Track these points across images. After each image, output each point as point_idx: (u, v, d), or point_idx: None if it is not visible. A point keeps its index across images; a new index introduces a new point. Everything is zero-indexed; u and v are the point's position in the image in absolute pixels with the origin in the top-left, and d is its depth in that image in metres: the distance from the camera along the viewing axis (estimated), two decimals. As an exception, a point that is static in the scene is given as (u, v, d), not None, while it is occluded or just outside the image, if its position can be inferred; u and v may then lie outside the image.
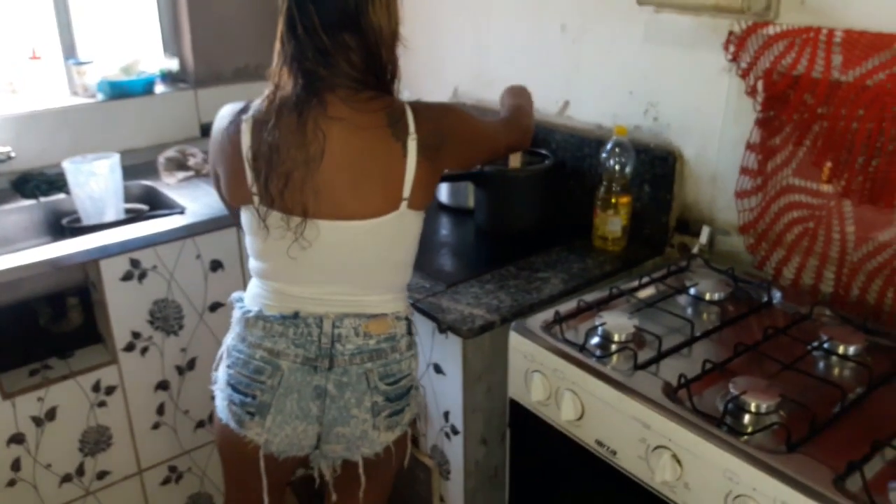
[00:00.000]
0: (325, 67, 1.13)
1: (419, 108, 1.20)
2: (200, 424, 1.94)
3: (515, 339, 1.28)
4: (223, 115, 1.23)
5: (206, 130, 2.33)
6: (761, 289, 1.40)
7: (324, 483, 1.36)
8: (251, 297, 1.27)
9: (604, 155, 1.59)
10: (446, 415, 1.56)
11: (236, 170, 1.18)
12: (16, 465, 1.65)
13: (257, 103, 1.18)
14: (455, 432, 1.54)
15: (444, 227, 1.89)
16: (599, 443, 1.15)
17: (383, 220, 1.18)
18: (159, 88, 2.30)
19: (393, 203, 1.17)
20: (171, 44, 2.36)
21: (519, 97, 1.56)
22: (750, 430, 1.00)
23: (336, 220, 1.16)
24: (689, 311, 1.36)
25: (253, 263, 1.27)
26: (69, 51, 2.19)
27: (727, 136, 1.50)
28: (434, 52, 2.19)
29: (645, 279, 1.43)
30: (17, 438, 1.64)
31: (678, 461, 1.02)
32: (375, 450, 1.27)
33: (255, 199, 1.18)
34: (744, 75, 1.41)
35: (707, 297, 1.36)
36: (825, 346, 1.19)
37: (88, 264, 1.68)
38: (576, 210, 1.78)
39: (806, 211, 1.38)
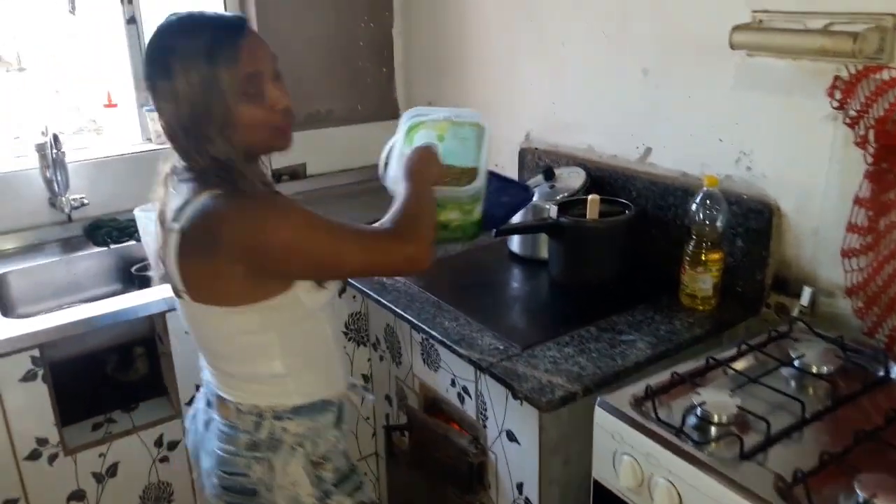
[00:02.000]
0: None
1: (207, 202, 1.06)
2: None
3: (602, 417, 1.17)
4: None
5: (277, 175, 2.32)
6: (876, 360, 1.25)
7: None
8: None
9: (693, 207, 1.47)
10: (520, 486, 1.45)
11: None
12: (77, 522, 1.62)
13: None
14: (529, 506, 1.44)
15: (516, 280, 1.80)
16: (700, 539, 1.03)
17: (183, 303, 1.17)
18: (229, 134, 2.30)
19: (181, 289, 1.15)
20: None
21: (419, 187, 1.22)
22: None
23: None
24: (795, 385, 1.22)
25: None
26: (144, 98, 2.22)
27: (832, 188, 1.37)
28: (509, 95, 2.12)
29: (744, 347, 1.30)
30: (77, 495, 1.61)
31: (796, 572, 0.90)
32: None
33: None
34: (852, 124, 1.28)
35: (815, 369, 1.23)
36: (962, 436, 1.04)
37: (154, 316, 1.66)
38: (660, 263, 1.66)
39: (927, 274, 1.24)
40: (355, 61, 2.44)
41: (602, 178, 1.80)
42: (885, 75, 1.22)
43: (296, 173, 2.39)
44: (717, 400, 1.11)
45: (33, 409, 1.54)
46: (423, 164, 1.26)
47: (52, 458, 1.58)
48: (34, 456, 1.56)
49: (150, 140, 2.21)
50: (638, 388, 1.19)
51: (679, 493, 1.04)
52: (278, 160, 2.35)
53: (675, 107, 1.64)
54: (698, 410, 1.10)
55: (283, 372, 1.19)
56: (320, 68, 2.38)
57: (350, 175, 2.49)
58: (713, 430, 1.08)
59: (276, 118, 1.10)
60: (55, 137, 1.88)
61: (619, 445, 1.14)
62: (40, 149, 1.91)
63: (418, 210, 1.19)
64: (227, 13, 1.19)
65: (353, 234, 1.14)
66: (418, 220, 1.17)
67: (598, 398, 1.19)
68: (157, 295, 1.63)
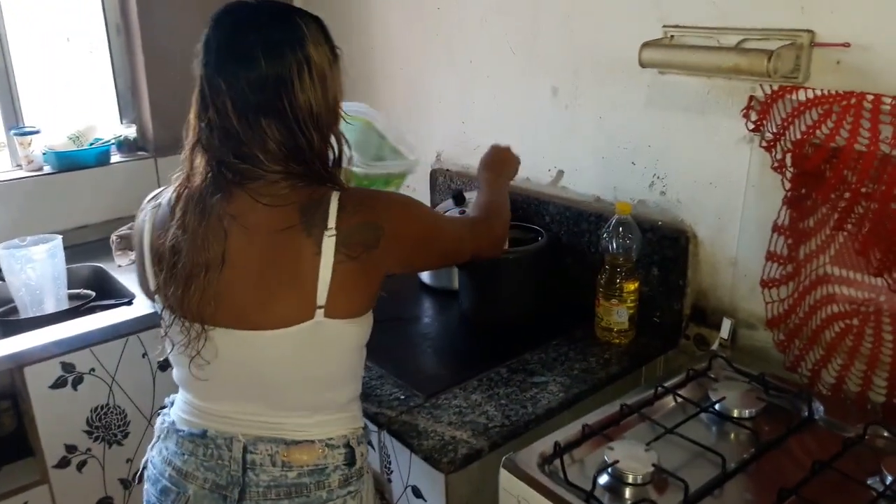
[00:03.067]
0: (236, 157, 0.96)
1: (351, 197, 0.99)
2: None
3: (507, 480, 1.04)
4: (146, 199, 1.08)
5: (166, 202, 2.13)
6: (799, 399, 1.17)
7: None
8: (175, 405, 1.11)
9: (605, 236, 1.37)
10: (428, 547, 1.31)
11: (142, 263, 1.05)
12: None
13: (170, 190, 1.02)
14: (439, 569, 1.30)
15: (426, 314, 1.67)
16: None
17: (293, 331, 0.97)
18: (115, 158, 2.10)
19: (305, 311, 0.96)
20: (129, 109, 2.17)
21: (497, 185, 1.34)
22: None
23: (237, 331, 0.98)
24: (716, 432, 1.12)
25: (173, 372, 1.11)
26: (11, 119, 1.99)
27: (749, 215, 1.29)
28: (416, 114, 2.00)
29: (660, 390, 1.20)
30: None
31: None
32: None
33: (157, 300, 1.03)
34: (769, 147, 1.20)
35: (735, 413, 1.13)
36: (891, 487, 0.96)
37: (14, 370, 1.45)
38: (574, 293, 1.56)
39: (848, 305, 1.16)
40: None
41: (515, 203, 1.68)
42: (801, 96, 1.14)
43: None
44: (631, 456, 1.00)
45: None
46: (501, 162, 1.39)
47: None
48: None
49: (20, 167, 1.98)
50: (546, 443, 1.07)
51: (593, 569, 0.93)
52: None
53: (587, 127, 1.55)
54: (610, 469, 0.99)
55: (356, 394, 1.11)
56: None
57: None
58: (627, 491, 0.97)
59: None
60: None
61: (526, 510, 1.01)
62: None
63: (500, 203, 1.30)
64: None
65: (463, 222, 1.26)
66: (501, 213, 1.28)
67: (504, 458, 1.06)
68: (11, 347, 1.43)
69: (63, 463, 1.52)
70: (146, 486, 1.10)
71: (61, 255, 1.72)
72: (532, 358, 1.39)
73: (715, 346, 1.34)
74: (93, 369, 1.52)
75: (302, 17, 0.99)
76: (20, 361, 1.42)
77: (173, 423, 1.07)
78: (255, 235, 0.97)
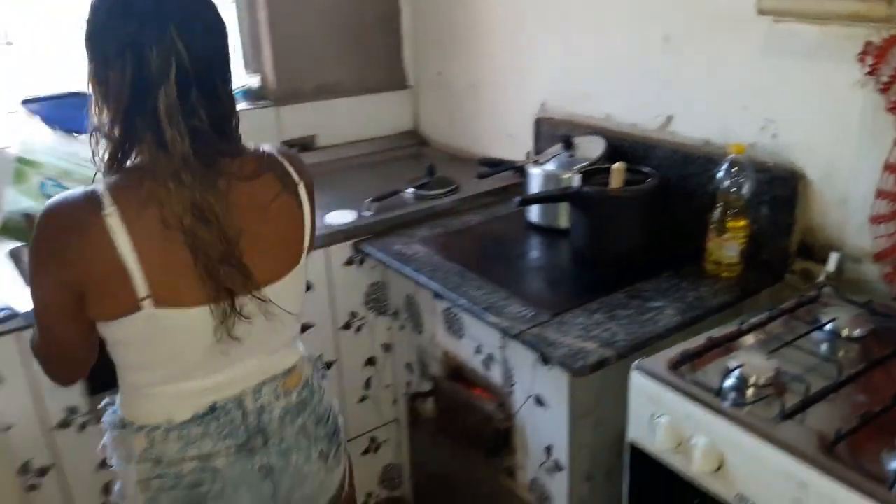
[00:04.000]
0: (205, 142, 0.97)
1: (288, 154, 1.13)
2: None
3: (638, 381, 1.18)
4: (61, 214, 0.95)
5: (288, 146, 2.30)
6: (905, 323, 1.27)
7: None
8: (145, 413, 1.07)
9: (719, 175, 1.48)
10: (548, 449, 1.47)
11: (108, 277, 0.94)
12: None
13: (107, 192, 0.94)
14: (559, 468, 1.46)
15: (536, 249, 1.81)
16: (742, 498, 1.05)
17: (293, 274, 1.11)
18: (241, 105, 2.28)
19: (299, 255, 1.12)
20: (252, 61, 2.34)
21: None
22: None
23: (251, 293, 1.03)
24: (828, 348, 1.24)
25: (138, 376, 1.07)
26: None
27: (862, 155, 1.37)
28: (518, 64, 2.11)
29: (775, 311, 1.31)
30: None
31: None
32: (333, 492, 1.24)
33: (148, 301, 0.96)
34: (884, 90, 1.28)
35: (846, 333, 1.24)
36: None
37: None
38: (682, 232, 1.67)
39: (957, 238, 1.25)
40: (363, 32, 2.42)
41: (622, 147, 1.80)
42: (918, 40, 1.22)
43: (306, 145, 2.37)
44: (754, 362, 1.13)
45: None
46: None
47: (82, 426, 1.58)
48: (64, 425, 1.57)
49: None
50: (673, 352, 1.20)
51: (720, 453, 1.06)
52: (289, 131, 2.34)
53: (698, 74, 1.64)
54: (736, 372, 1.12)
55: None
56: (328, 39, 2.35)
57: (360, 146, 2.47)
58: (751, 391, 1.09)
59: None
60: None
61: (656, 409, 1.15)
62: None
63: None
64: None
65: None
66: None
67: (635, 362, 1.20)
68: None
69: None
70: (160, 497, 1.08)
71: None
72: (646, 287, 1.51)
73: (821, 278, 1.44)
74: None
75: None
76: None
77: (168, 421, 1.06)
78: (253, 210, 1.03)
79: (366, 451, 2.07)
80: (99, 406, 1.18)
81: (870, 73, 1.31)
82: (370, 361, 1.98)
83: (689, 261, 1.59)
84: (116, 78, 0.93)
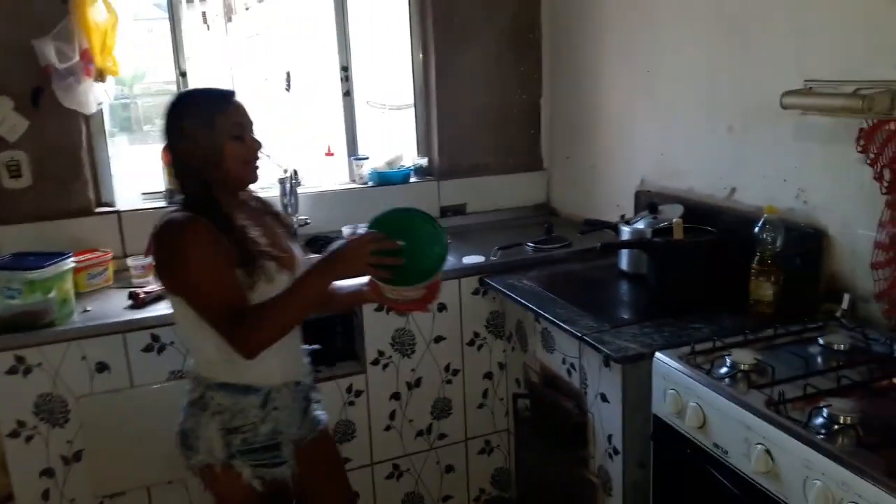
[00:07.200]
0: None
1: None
2: (418, 435, 2.46)
3: (657, 364, 1.63)
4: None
5: (444, 211, 2.97)
6: (884, 344, 1.61)
7: None
8: (259, 373, 1.62)
9: (756, 230, 1.89)
10: (609, 438, 1.90)
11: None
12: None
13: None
14: (616, 452, 1.88)
15: (620, 288, 2.28)
16: (717, 445, 1.46)
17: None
18: (412, 179, 3.01)
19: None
20: (423, 146, 3.08)
21: (313, 279, 1.56)
22: (826, 434, 1.26)
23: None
24: (811, 353, 1.60)
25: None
26: (352, 149, 2.99)
27: (863, 215, 1.74)
28: (626, 149, 2.64)
29: (781, 330, 1.70)
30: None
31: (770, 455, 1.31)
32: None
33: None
34: (872, 164, 1.67)
35: (834, 347, 1.60)
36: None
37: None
38: (739, 281, 2.05)
39: (933, 279, 1.58)
40: (510, 124, 3.08)
41: (697, 212, 2.24)
42: (893, 126, 1.61)
43: (458, 210, 3.04)
44: (742, 355, 1.54)
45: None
46: (342, 257, 1.53)
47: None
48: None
49: (354, 182, 2.96)
50: (687, 348, 1.64)
51: (704, 413, 1.48)
52: (446, 199, 3.01)
53: (753, 155, 2.08)
54: (727, 361, 1.54)
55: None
56: (482, 129, 3.04)
57: (500, 213, 3.09)
58: (739, 375, 1.50)
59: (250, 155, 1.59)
60: (295, 172, 2.67)
61: (667, 384, 1.59)
62: (281, 181, 2.70)
63: (289, 304, 1.53)
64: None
65: (219, 303, 1.49)
66: (282, 312, 1.52)
67: (657, 352, 1.65)
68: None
69: (374, 362, 2.36)
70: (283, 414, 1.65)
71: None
72: (695, 315, 1.93)
73: (837, 314, 1.79)
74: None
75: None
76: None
77: (272, 386, 1.63)
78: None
79: (481, 452, 2.58)
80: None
81: (861, 152, 1.70)
82: (488, 375, 2.52)
83: (740, 302, 1.97)
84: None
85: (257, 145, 1.59)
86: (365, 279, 1.67)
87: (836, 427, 1.27)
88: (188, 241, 1.47)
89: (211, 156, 1.52)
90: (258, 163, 1.61)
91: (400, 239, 1.52)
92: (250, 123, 1.59)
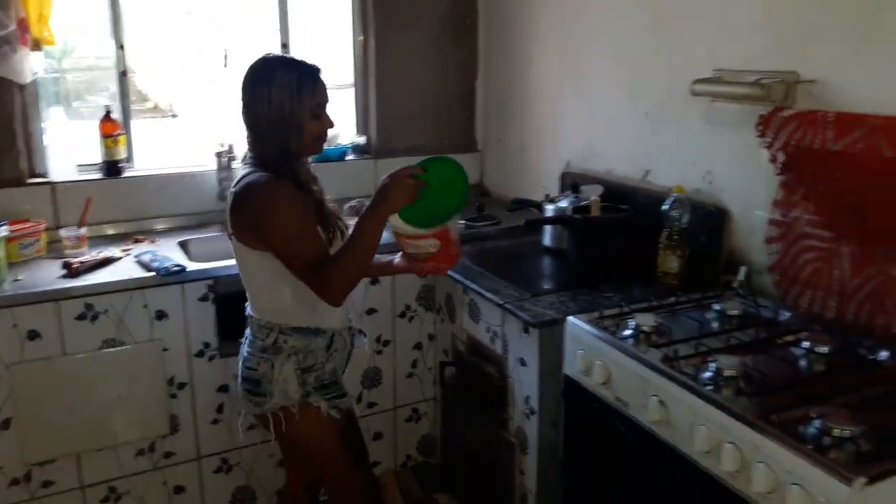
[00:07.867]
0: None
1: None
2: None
3: (570, 327, 1.76)
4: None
5: (377, 188, 3.05)
6: (772, 310, 1.77)
7: None
8: (320, 317, 1.78)
9: (665, 207, 2.04)
10: (527, 399, 2.02)
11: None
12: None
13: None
14: (532, 412, 2.00)
15: (543, 263, 2.41)
16: (619, 399, 1.59)
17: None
18: (349, 157, 3.07)
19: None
20: (362, 125, 3.15)
21: (373, 218, 1.63)
22: (712, 386, 1.41)
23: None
24: (707, 318, 1.76)
25: None
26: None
27: (761, 195, 1.90)
28: (550, 131, 2.77)
29: (681, 297, 1.85)
30: (223, 388, 2.33)
31: (664, 405, 1.45)
32: None
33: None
34: (768, 147, 1.83)
35: (727, 312, 1.76)
36: (802, 345, 1.56)
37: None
38: (651, 255, 2.21)
39: (815, 253, 1.75)
40: (446, 106, 3.18)
41: (616, 193, 2.39)
42: (786, 113, 1.77)
43: (395, 189, 3.11)
44: (644, 318, 1.68)
45: (203, 321, 2.28)
46: (387, 190, 1.64)
47: (211, 358, 2.31)
48: (200, 354, 2.30)
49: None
50: (596, 314, 1.77)
51: (609, 370, 1.62)
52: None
53: (666, 139, 2.23)
54: (631, 324, 1.67)
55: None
56: (420, 110, 3.12)
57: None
58: (641, 336, 1.64)
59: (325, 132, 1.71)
60: (230, 146, 2.70)
61: (577, 345, 1.72)
62: (218, 155, 2.73)
63: (361, 245, 1.64)
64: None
65: (309, 255, 1.61)
66: (355, 255, 1.63)
67: (569, 317, 1.78)
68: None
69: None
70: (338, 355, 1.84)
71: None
72: (608, 286, 2.07)
73: (734, 285, 1.95)
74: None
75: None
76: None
77: (335, 329, 1.80)
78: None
79: (409, 419, 2.68)
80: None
81: (759, 136, 1.85)
82: (418, 346, 2.62)
83: (650, 275, 2.12)
84: None
85: (331, 124, 1.71)
86: (397, 255, 1.89)
87: (720, 379, 1.41)
88: (279, 199, 1.58)
89: (292, 129, 1.62)
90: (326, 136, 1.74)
91: (433, 180, 1.65)
92: (328, 102, 1.70)
